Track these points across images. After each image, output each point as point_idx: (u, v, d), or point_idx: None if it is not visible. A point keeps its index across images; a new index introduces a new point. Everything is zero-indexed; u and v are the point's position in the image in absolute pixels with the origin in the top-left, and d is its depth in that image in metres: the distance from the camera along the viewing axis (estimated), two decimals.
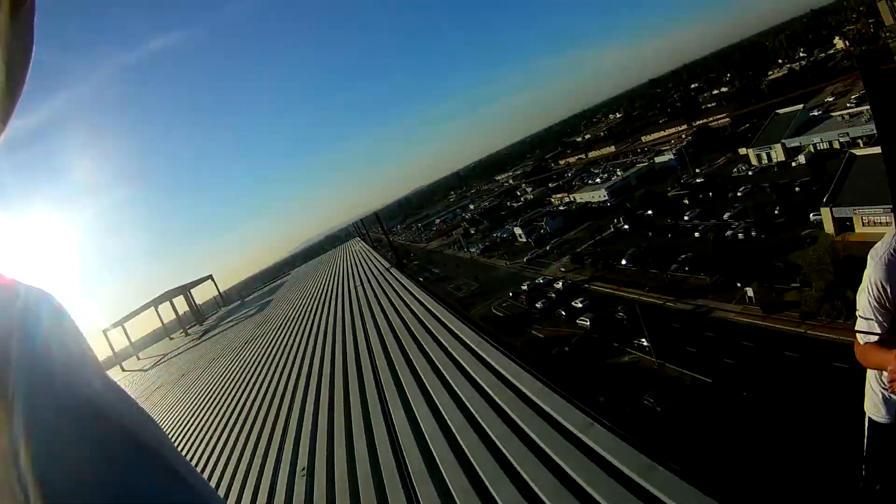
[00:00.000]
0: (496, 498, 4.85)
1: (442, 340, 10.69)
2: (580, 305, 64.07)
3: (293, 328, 27.89)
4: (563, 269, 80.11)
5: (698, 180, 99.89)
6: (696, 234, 71.70)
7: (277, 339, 27.36)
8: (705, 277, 59.18)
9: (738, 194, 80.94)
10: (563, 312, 64.21)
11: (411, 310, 15.37)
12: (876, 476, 3.41)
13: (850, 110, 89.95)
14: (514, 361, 7.37)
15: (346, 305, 24.19)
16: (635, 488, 3.84)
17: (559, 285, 73.76)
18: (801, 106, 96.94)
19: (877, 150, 58.47)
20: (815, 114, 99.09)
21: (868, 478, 3.46)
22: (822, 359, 37.88)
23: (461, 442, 6.22)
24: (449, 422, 6.94)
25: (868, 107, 69.01)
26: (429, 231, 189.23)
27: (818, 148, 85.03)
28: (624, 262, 71.88)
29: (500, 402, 6.54)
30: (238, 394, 19.69)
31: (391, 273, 24.00)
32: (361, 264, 40.16)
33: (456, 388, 7.89)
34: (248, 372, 22.68)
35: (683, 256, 65.00)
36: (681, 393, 40.93)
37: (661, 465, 3.88)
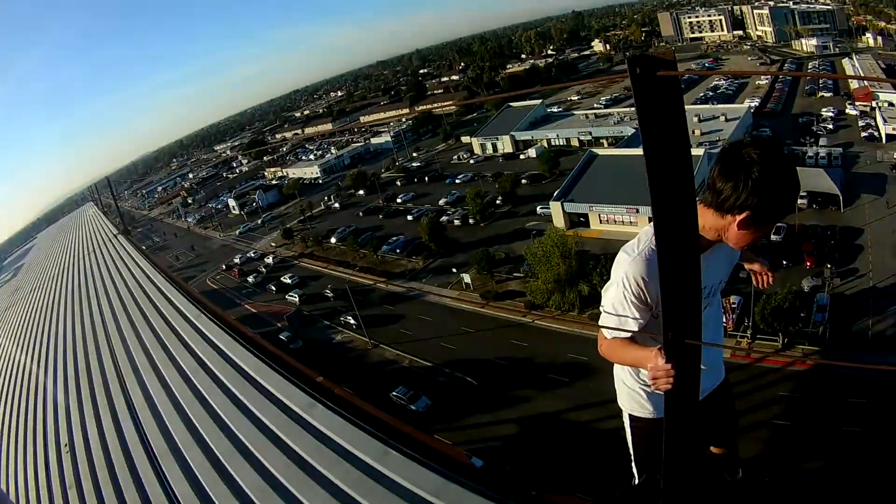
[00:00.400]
0: (235, 477, 5.30)
1: (165, 314, 10.97)
2: (289, 281, 64.23)
3: (40, 299, 26.10)
4: (273, 244, 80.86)
5: (415, 164, 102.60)
6: (410, 217, 72.63)
7: (27, 309, 25.65)
8: (417, 261, 59.53)
9: (457, 181, 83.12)
10: (274, 287, 64.03)
11: (138, 282, 14.69)
12: (648, 468, 3.56)
13: (598, 111, 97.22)
14: (233, 337, 8.03)
15: (81, 275, 24.78)
16: (370, 470, 3.94)
17: (270, 259, 74.20)
18: (539, 101, 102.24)
19: (619, 151, 65.59)
20: (555, 110, 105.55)
21: (641, 471, 3.61)
22: (555, 349, 38.83)
23: (194, 419, 6.50)
24: (179, 397, 7.28)
25: (619, 109, 75.89)
26: (151, 198, 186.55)
27: (552, 143, 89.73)
28: (333, 240, 72.45)
29: (223, 378, 6.95)
30: None
31: (119, 241, 22.29)
32: (94, 231, 38.44)
33: (181, 363, 8.26)
34: None
35: (395, 238, 65.65)
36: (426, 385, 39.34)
37: (394, 450, 4.08)
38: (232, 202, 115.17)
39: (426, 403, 36.92)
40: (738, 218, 2.48)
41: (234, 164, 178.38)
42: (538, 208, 63.28)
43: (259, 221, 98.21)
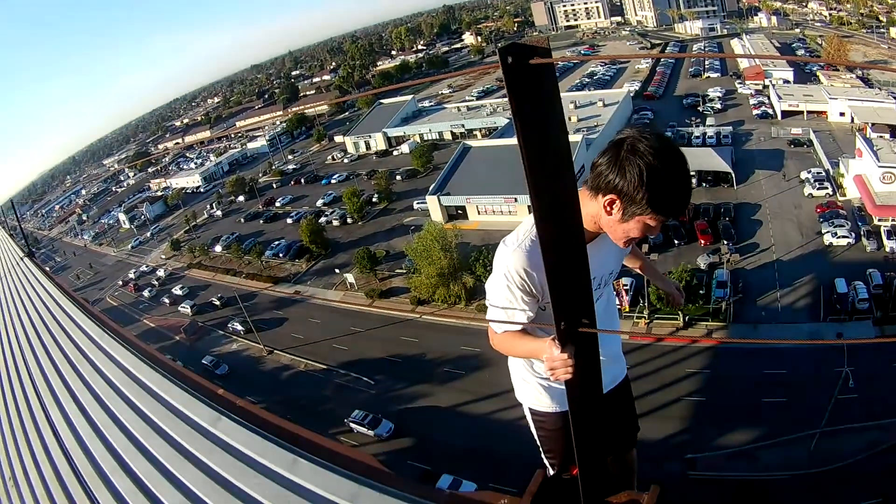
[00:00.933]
0: (161, 499, 4.70)
1: (74, 338, 10.11)
2: (181, 293, 64.70)
3: None
4: (163, 256, 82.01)
5: (291, 166, 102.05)
6: (290, 221, 72.41)
7: None
8: (301, 263, 59.94)
9: (333, 181, 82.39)
10: (167, 300, 64.08)
11: (46, 306, 14.16)
12: (560, 460, 3.43)
13: (469, 103, 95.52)
14: (137, 356, 7.16)
15: None
16: (283, 480, 3.81)
17: (161, 273, 74.81)
18: (410, 97, 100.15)
19: (493, 142, 65.14)
20: (427, 105, 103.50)
21: (553, 463, 3.48)
22: (447, 342, 38.78)
23: (114, 443, 5.90)
24: (98, 422, 6.53)
25: (491, 100, 74.73)
26: (50, 217, 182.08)
27: (425, 138, 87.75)
28: (218, 248, 73.02)
29: (134, 399, 6.41)
30: None
31: (25, 263, 20.88)
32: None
33: (94, 386, 7.55)
34: None
35: (277, 242, 65.68)
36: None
37: (302, 458, 3.89)
38: (122, 216, 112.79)
39: (389, 427, 34.17)
40: (603, 200, 2.43)
41: (122, 178, 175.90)
42: (415, 203, 63.04)
43: (148, 234, 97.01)
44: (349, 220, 65.61)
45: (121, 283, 77.10)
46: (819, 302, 35.54)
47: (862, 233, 40.15)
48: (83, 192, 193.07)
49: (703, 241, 43.21)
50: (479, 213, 55.48)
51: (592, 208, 2.50)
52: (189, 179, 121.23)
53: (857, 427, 27.55)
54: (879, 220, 40.55)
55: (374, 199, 68.76)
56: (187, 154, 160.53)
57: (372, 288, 48.13)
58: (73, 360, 9.26)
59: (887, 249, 38.29)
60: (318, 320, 47.36)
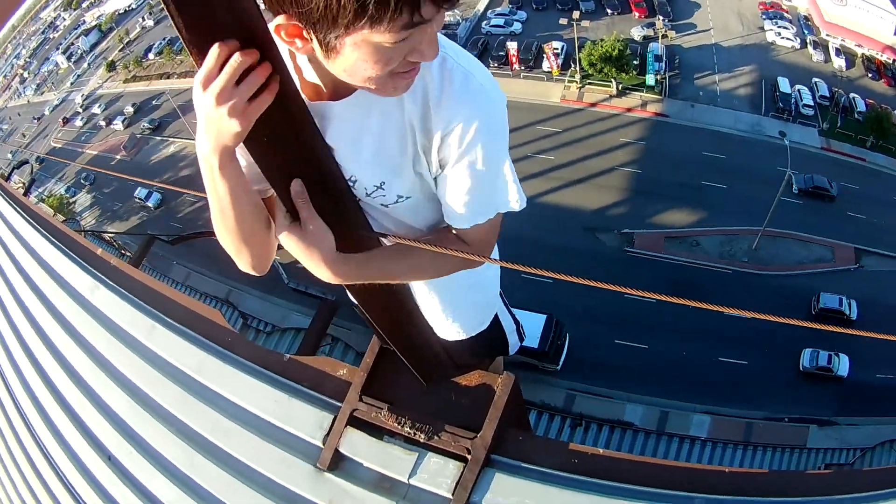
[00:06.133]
0: (57, 385, 4.28)
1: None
2: (118, 111, 65.18)
3: None
4: (100, 81, 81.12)
5: None
6: None
7: None
8: None
9: None
10: (103, 123, 64.80)
11: None
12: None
13: None
14: (24, 217, 5.43)
15: None
16: (142, 349, 3.59)
17: (99, 98, 74.08)
18: None
19: None
20: None
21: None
22: None
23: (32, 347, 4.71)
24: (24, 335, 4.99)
25: None
26: None
27: None
28: (151, 56, 73.84)
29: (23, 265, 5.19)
30: None
31: None
32: None
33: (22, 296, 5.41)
34: None
35: None
36: None
37: (160, 324, 3.62)
38: (60, 58, 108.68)
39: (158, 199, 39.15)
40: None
41: (58, 23, 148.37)
42: None
43: (86, 65, 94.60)
44: None
45: (62, 121, 76.68)
46: (760, 95, 34.62)
47: (808, 41, 38.83)
48: (23, 52, 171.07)
49: (637, 14, 40.55)
50: None
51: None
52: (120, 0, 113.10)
53: (805, 237, 27.89)
54: (827, 35, 39.40)
55: None
56: None
57: None
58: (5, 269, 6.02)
59: (835, 66, 37.57)
60: None
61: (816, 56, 37.86)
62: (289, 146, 1.37)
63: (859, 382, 23.03)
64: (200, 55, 1.15)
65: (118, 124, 60.97)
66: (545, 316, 22.04)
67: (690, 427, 21.98)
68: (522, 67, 35.85)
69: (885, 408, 22.14)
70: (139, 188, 41.98)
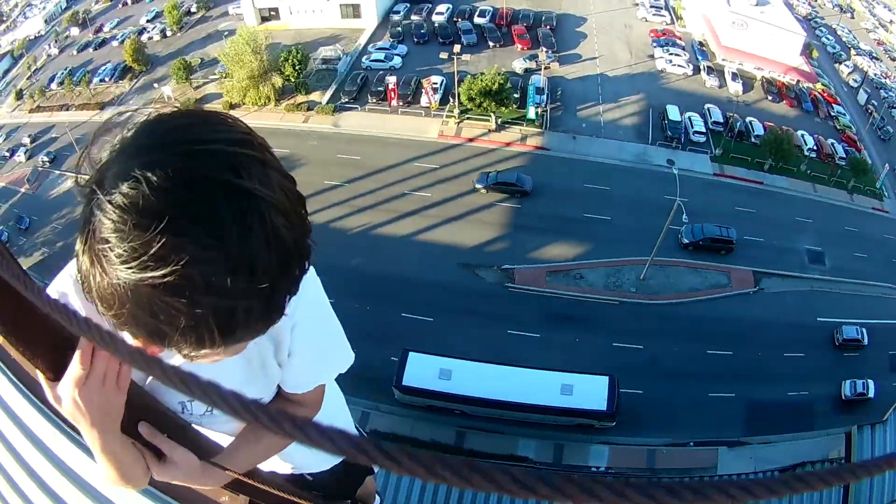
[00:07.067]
0: None
1: None
2: (26, 142, 62.18)
3: None
4: (9, 109, 77.45)
5: None
6: (115, 43, 72.61)
7: None
8: (125, 84, 62.67)
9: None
10: (7, 154, 62.35)
11: None
12: None
13: None
14: None
15: None
16: None
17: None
18: None
19: None
20: None
21: None
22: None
23: None
24: None
25: None
26: None
27: None
28: (54, 85, 71.16)
29: None
30: None
31: None
32: None
33: None
34: None
35: (104, 67, 67.52)
36: None
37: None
38: None
39: None
40: None
41: None
42: (230, 8, 64.67)
43: None
44: (168, 34, 67.85)
45: None
46: (648, 124, 34.34)
47: (702, 67, 39.04)
48: None
49: (520, 46, 40.38)
50: (290, 13, 56.31)
51: None
52: (31, 25, 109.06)
53: (693, 264, 27.81)
54: (723, 60, 39.71)
55: (192, 9, 70.13)
56: (32, 1, 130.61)
57: (188, 97, 51.05)
58: None
59: (730, 91, 37.61)
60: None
61: (710, 82, 37.83)
62: (130, 406, 1.52)
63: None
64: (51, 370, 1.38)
65: (20, 156, 59.86)
66: (607, 377, 21.78)
67: (589, 458, 21.94)
68: (401, 103, 35.47)
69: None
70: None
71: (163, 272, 0.96)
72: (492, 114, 33.68)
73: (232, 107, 45.52)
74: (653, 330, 24.78)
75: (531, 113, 34.04)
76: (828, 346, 25.73)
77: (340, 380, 2.24)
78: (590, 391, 21.40)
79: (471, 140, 33.78)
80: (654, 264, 26.06)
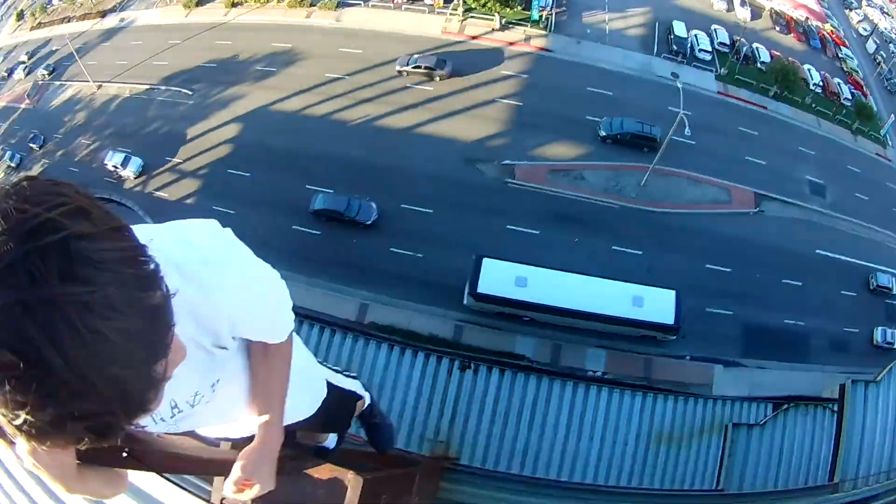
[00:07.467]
0: None
1: None
2: (25, 59, 62.68)
3: None
4: (10, 31, 76.06)
5: None
6: None
7: None
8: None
9: None
10: (5, 72, 61.61)
11: None
12: None
13: None
14: None
15: None
16: None
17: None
18: None
19: None
20: None
21: None
22: (258, 42, 39.19)
23: None
24: None
25: None
26: None
27: None
28: (56, 1, 69.82)
29: None
30: None
31: None
32: None
33: None
34: None
35: None
36: None
37: None
38: None
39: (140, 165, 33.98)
40: None
41: None
42: None
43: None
44: None
45: None
46: (653, 37, 33.76)
47: None
48: None
49: None
50: None
51: None
52: None
53: (698, 177, 27.62)
54: None
55: None
56: None
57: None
58: None
59: (738, 17, 36.87)
60: (141, 42, 46.90)
61: (718, 4, 37.16)
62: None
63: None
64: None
65: (19, 73, 59.01)
66: (674, 292, 22.11)
67: (586, 361, 22.49)
68: (405, 0, 34.68)
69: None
70: (110, 152, 36.20)
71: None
72: (496, 13, 32.92)
73: (234, 4, 44.67)
74: (652, 237, 24.83)
75: (535, 14, 33.38)
76: (825, 280, 25.85)
77: None
78: (659, 304, 21.84)
79: (474, 38, 33.35)
80: (655, 172, 25.71)
